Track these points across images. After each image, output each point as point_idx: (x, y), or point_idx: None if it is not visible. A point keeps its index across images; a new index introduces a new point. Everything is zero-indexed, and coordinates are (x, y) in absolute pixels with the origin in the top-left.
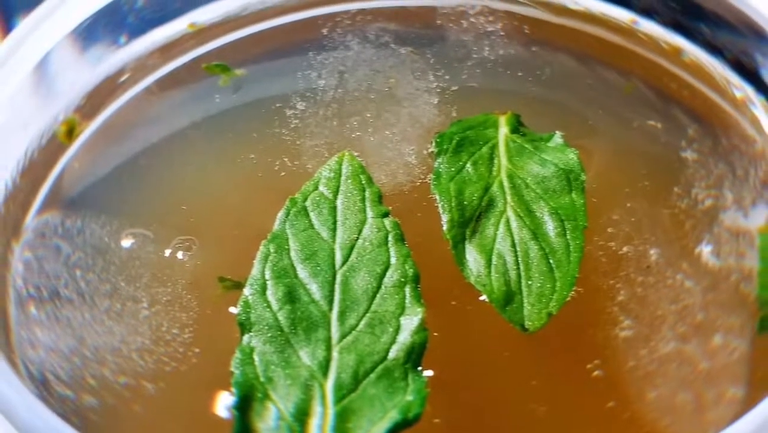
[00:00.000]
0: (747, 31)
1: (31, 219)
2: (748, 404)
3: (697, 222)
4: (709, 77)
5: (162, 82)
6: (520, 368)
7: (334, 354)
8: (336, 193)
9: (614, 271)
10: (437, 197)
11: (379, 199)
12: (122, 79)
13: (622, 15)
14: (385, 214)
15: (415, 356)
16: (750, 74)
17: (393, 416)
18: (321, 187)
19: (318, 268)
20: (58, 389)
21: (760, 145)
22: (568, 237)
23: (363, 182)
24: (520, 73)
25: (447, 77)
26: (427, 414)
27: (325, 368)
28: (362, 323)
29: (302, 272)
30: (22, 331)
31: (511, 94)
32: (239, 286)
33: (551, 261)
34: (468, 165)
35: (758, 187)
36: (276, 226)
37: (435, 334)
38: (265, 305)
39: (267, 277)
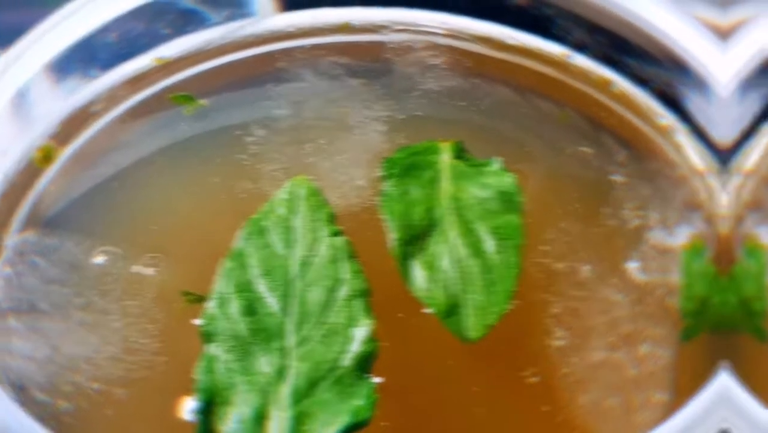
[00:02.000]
0: (671, 65)
1: (10, 238)
2: (672, 408)
3: (626, 240)
4: (637, 107)
5: (131, 112)
6: (462, 375)
7: (291, 362)
8: (292, 214)
9: (549, 286)
10: (385, 218)
11: (332, 219)
12: (94, 108)
13: (556, 49)
14: (338, 234)
15: (365, 364)
16: (674, 104)
17: (344, 419)
18: (278, 209)
19: (275, 283)
20: (36, 394)
21: (683, 170)
22: (507, 254)
23: (317, 204)
24: (462, 104)
25: (395, 107)
26: (376, 418)
27: (282, 375)
28: (316, 333)
29: (261, 287)
30: (1, 341)
31: (454, 123)
32: (202, 299)
33: (490, 276)
34: (413, 188)
35: (681, 209)
36: (236, 244)
37: (384, 344)
38: (226, 317)
39: (228, 291)
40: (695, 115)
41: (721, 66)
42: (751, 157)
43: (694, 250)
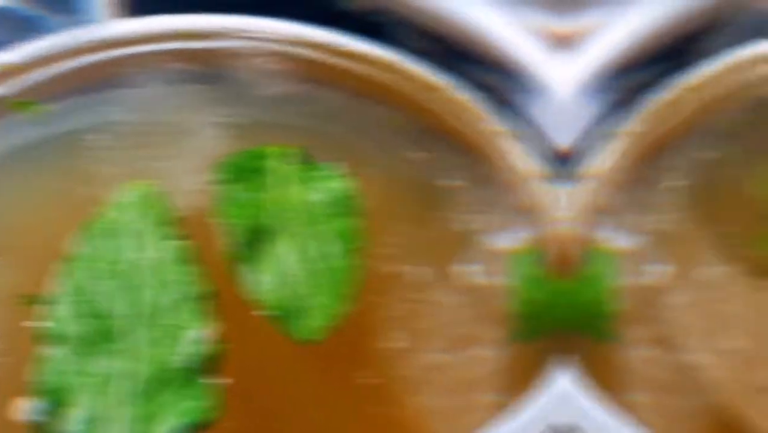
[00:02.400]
0: (506, 71)
1: None
2: (503, 407)
3: (460, 244)
4: (471, 112)
5: None
6: (304, 376)
7: (129, 364)
8: (131, 217)
9: (386, 288)
10: (222, 222)
11: (171, 223)
12: None
13: (389, 55)
14: (176, 237)
15: (204, 365)
16: (510, 109)
17: (184, 420)
18: (117, 212)
19: (114, 285)
20: None
21: (512, 175)
22: (344, 257)
23: (156, 208)
24: (297, 109)
25: (232, 112)
26: (221, 419)
27: (121, 376)
28: (155, 335)
29: (99, 289)
30: None
31: (290, 128)
32: (41, 301)
33: (329, 279)
34: (249, 192)
35: (515, 213)
36: (75, 247)
37: (226, 345)
38: (64, 318)
39: (66, 293)
40: (532, 121)
41: (559, 72)
42: (595, 162)
43: (528, 253)
